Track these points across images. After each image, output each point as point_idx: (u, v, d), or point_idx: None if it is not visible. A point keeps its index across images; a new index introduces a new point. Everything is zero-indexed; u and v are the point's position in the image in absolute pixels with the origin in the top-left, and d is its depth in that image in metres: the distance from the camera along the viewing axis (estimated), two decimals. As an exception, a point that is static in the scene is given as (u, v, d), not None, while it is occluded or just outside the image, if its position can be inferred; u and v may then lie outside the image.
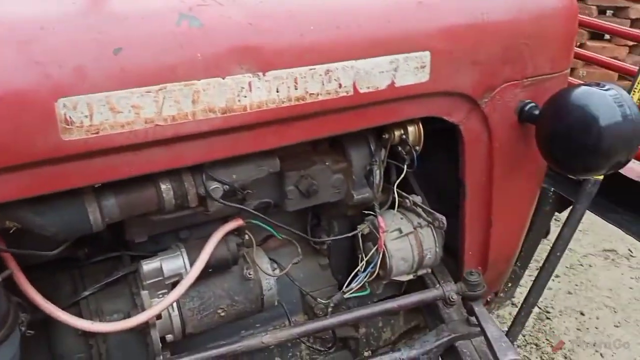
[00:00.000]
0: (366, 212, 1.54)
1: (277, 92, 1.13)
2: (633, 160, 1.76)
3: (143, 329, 1.29)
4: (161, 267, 1.29)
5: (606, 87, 1.31)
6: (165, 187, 1.20)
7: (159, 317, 1.29)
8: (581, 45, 5.29)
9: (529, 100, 1.46)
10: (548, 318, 3.16)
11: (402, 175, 1.51)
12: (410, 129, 1.43)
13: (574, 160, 1.35)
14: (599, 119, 1.26)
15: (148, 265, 1.29)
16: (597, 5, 5.45)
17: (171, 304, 1.29)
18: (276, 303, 1.48)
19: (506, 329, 2.03)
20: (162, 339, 1.32)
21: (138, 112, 1.01)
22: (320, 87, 1.17)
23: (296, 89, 1.14)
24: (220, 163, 1.22)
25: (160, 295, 1.31)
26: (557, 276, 3.44)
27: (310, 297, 1.58)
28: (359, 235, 1.54)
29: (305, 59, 1.14)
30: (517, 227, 1.74)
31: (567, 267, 3.56)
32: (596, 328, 3.10)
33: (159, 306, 1.25)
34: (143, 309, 1.25)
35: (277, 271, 1.47)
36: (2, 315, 1.07)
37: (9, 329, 1.08)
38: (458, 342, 1.49)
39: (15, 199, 1.01)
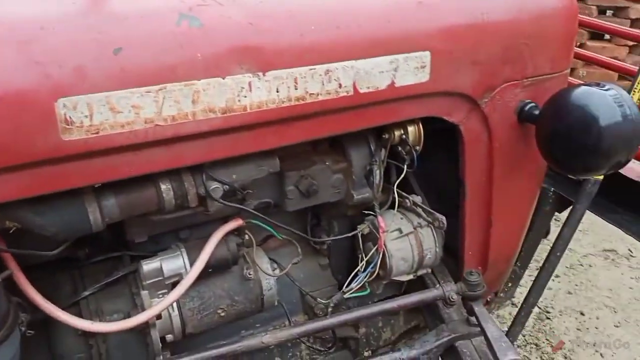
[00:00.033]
0: (366, 212, 1.54)
1: (277, 92, 1.13)
2: (633, 160, 1.76)
3: (143, 329, 1.29)
4: (161, 267, 1.29)
5: (606, 87, 1.31)
6: (165, 187, 1.20)
7: (159, 317, 1.29)
8: (581, 45, 5.29)
9: (529, 100, 1.46)
10: (548, 318, 3.16)
11: (402, 175, 1.51)
12: (410, 129, 1.43)
13: (574, 160, 1.35)
14: (599, 119, 1.26)
15: (148, 265, 1.29)
16: (597, 5, 5.45)
17: (171, 304, 1.29)
18: (276, 303, 1.48)
19: (506, 329, 2.03)
20: (162, 339, 1.32)
21: (138, 112, 1.01)
22: (320, 87, 1.17)
23: (296, 89, 1.14)
24: (220, 163, 1.22)
25: (160, 295, 1.31)
26: (557, 276, 3.44)
27: (310, 297, 1.58)
28: (359, 235, 1.54)
29: (306, 59, 1.14)
30: (517, 227, 1.74)
31: (567, 267, 3.56)
32: (596, 328, 3.10)
33: (159, 306, 1.25)
34: (143, 309, 1.26)
35: (277, 271, 1.47)
36: (2, 315, 1.07)
37: (9, 329, 1.08)
38: (458, 342, 1.49)
39: (15, 199, 1.01)
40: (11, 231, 1.08)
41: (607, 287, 3.43)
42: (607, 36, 5.46)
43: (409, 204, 1.56)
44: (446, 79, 1.32)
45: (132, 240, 1.36)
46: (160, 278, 1.30)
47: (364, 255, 1.54)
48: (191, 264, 1.29)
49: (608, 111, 1.27)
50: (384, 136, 1.47)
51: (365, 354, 1.75)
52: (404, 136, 1.44)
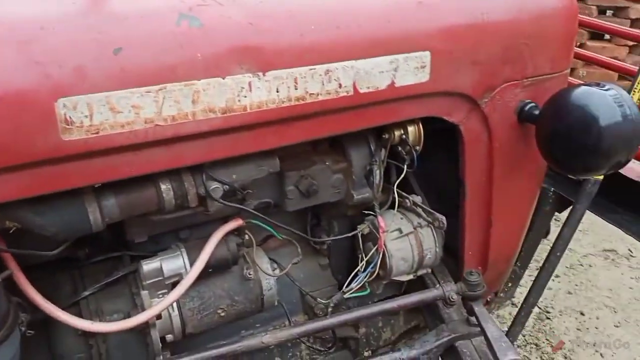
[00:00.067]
0: (366, 212, 1.54)
1: (277, 92, 1.13)
2: (633, 160, 1.76)
3: (143, 329, 1.29)
4: (161, 267, 1.29)
5: (606, 87, 1.31)
6: (165, 187, 1.20)
7: (159, 317, 1.29)
8: (581, 45, 5.29)
9: (529, 100, 1.46)
10: (548, 318, 3.16)
11: (402, 175, 1.51)
12: (410, 129, 1.43)
13: (574, 160, 1.35)
14: (599, 119, 1.26)
15: (148, 265, 1.29)
16: (597, 5, 5.45)
17: (171, 304, 1.29)
18: (276, 303, 1.48)
19: (506, 329, 2.03)
20: (162, 339, 1.32)
21: (138, 112, 1.01)
22: (320, 87, 1.17)
23: (296, 89, 1.14)
24: (220, 163, 1.22)
25: (160, 295, 1.31)
26: (557, 276, 3.44)
27: (310, 297, 1.58)
28: (359, 235, 1.54)
29: (305, 59, 1.14)
30: (517, 227, 1.74)
31: (567, 267, 3.56)
32: (596, 328, 3.10)
33: (159, 306, 1.25)
34: (143, 309, 1.26)
35: (277, 271, 1.47)
36: (2, 315, 1.07)
37: (9, 329, 1.08)
38: (458, 342, 1.49)
39: (15, 199, 1.01)
40: (11, 231, 1.08)
41: (607, 287, 3.43)
42: (607, 36, 5.46)
43: (409, 204, 1.56)
44: (446, 79, 1.32)
45: (132, 240, 1.36)
46: (160, 278, 1.30)
47: (364, 255, 1.54)
48: (191, 264, 1.29)
49: (608, 111, 1.27)
50: (384, 136, 1.47)
51: (366, 354, 1.75)
52: (404, 136, 1.44)
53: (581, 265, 3.62)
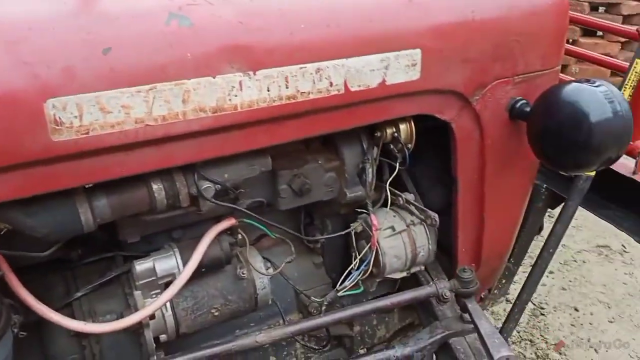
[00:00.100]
0: (359, 210, 1.54)
1: (268, 91, 1.13)
2: (624, 156, 1.77)
3: (136, 330, 1.29)
4: (154, 267, 1.29)
5: (597, 84, 1.31)
6: (156, 187, 1.19)
7: (152, 317, 1.29)
8: (574, 42, 5.31)
9: (520, 97, 1.46)
10: (542, 314, 3.18)
11: (395, 173, 1.51)
12: (402, 127, 1.43)
13: (564, 157, 1.35)
14: (589, 115, 1.27)
15: (141, 266, 1.29)
16: (590, 2, 5.47)
17: (164, 304, 1.29)
18: (270, 302, 1.48)
19: (500, 326, 2.04)
20: (156, 339, 1.32)
21: (128, 112, 1.01)
22: (311, 85, 1.17)
23: (287, 87, 1.14)
24: (212, 162, 1.22)
25: (154, 296, 1.31)
26: (551, 272, 3.46)
27: (304, 296, 1.58)
28: (352, 233, 1.54)
29: (296, 57, 1.14)
30: (510, 223, 1.75)
31: (561, 263, 3.58)
32: (590, 324, 3.11)
33: (152, 306, 1.25)
34: (136, 309, 1.25)
35: (271, 270, 1.47)
36: (-6, 317, 1.07)
37: (1, 330, 1.08)
38: (452, 339, 1.49)
39: (5, 200, 1.00)
40: (2, 232, 1.08)
41: (601, 282, 3.44)
42: (599, 32, 5.48)
43: (401, 202, 1.56)
44: (437, 77, 1.33)
45: (124, 241, 1.36)
46: (153, 278, 1.30)
47: (357, 254, 1.54)
48: (184, 264, 1.29)
49: (598, 107, 1.27)
50: (376, 134, 1.47)
51: (361, 351, 1.75)
52: (396, 134, 1.44)
53: (575, 261, 3.63)
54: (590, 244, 3.78)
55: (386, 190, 1.54)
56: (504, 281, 2.10)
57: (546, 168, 1.83)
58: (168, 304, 1.32)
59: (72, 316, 1.28)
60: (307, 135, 1.30)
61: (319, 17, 1.17)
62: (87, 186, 1.14)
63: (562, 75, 1.69)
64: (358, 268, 1.53)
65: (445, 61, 1.32)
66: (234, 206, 1.32)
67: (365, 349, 1.77)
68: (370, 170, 1.47)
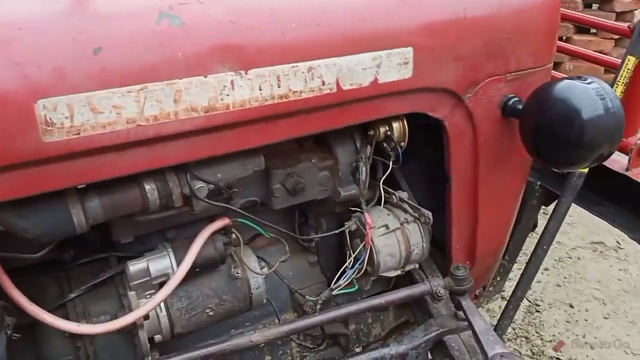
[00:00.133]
0: (353, 209, 1.55)
1: (260, 90, 1.13)
2: (617, 152, 1.78)
3: (131, 330, 1.28)
4: (148, 268, 1.29)
5: (588, 81, 1.31)
6: (149, 187, 1.19)
7: (146, 317, 1.29)
8: (567, 39, 5.33)
9: (512, 95, 1.46)
10: (538, 311, 3.19)
11: (388, 172, 1.51)
12: (395, 125, 1.43)
13: (557, 154, 1.35)
14: (581, 112, 1.27)
15: (135, 266, 1.29)
16: (583, -1, 5.49)
17: (159, 304, 1.28)
18: (265, 301, 1.48)
19: (495, 323, 2.05)
20: (151, 339, 1.32)
21: (119, 113, 1.01)
22: (303, 84, 1.17)
23: (279, 86, 1.14)
24: (205, 162, 1.22)
25: (148, 296, 1.31)
26: (546, 269, 3.47)
27: (299, 295, 1.58)
28: (347, 232, 1.54)
29: (288, 56, 1.14)
30: (504, 221, 1.75)
31: (555, 260, 3.59)
32: (585, 320, 3.12)
33: (146, 307, 1.25)
34: (130, 310, 1.25)
35: (265, 269, 1.47)
36: (-14, 319, 1.07)
37: (-6, 332, 1.07)
38: (446, 336, 1.49)
39: (-4, 201, 1.00)
40: (-6, 234, 1.07)
41: (596, 279, 3.46)
42: (593, 30, 5.50)
43: (395, 200, 1.56)
44: (429, 75, 1.33)
45: (118, 241, 1.35)
46: (147, 278, 1.29)
47: (351, 252, 1.54)
48: (178, 264, 1.29)
49: (590, 104, 1.28)
50: (369, 133, 1.47)
51: (356, 350, 1.75)
52: (389, 132, 1.44)
53: (570, 258, 3.65)
54: (584, 241, 3.80)
55: (380, 189, 1.54)
56: (498, 278, 2.10)
57: (539, 165, 1.84)
58: (162, 304, 1.32)
59: (66, 317, 1.27)
60: (300, 134, 1.30)
61: (310, 15, 1.17)
62: (79, 187, 1.14)
63: (554, 73, 1.69)
64: (352, 266, 1.54)
65: (437, 59, 1.32)
66: (227, 206, 1.32)
67: (360, 348, 1.77)
68: (363, 168, 1.47)
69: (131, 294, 1.28)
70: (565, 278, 3.47)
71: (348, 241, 1.56)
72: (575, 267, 3.57)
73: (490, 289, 2.10)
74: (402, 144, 1.45)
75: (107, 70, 0.98)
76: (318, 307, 1.55)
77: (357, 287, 1.60)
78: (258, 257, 1.47)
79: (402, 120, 1.43)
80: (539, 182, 1.98)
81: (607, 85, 1.33)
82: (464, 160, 1.51)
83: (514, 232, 1.90)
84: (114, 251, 1.42)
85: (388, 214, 1.55)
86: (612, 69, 2.33)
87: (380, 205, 1.56)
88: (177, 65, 1.04)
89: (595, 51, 3.43)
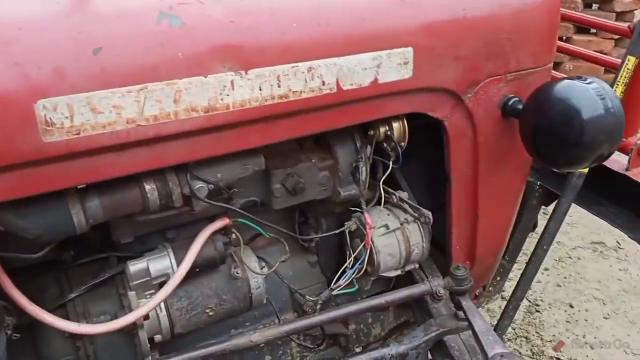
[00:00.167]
0: (353, 209, 1.55)
1: (260, 90, 1.13)
2: (617, 152, 1.78)
3: (131, 330, 1.28)
4: (148, 268, 1.29)
5: (588, 81, 1.31)
6: (149, 187, 1.19)
7: (146, 317, 1.29)
8: (568, 39, 5.33)
9: (512, 95, 1.46)
10: (538, 311, 3.19)
11: (388, 172, 1.51)
12: (395, 125, 1.43)
13: (557, 154, 1.35)
14: (581, 112, 1.27)
15: (135, 266, 1.29)
16: (583, -1, 5.49)
17: (159, 304, 1.28)
18: (265, 301, 1.48)
19: (495, 323, 2.05)
20: (151, 339, 1.32)
21: (119, 113, 1.01)
22: (303, 84, 1.17)
23: (279, 86, 1.14)
24: (205, 162, 1.22)
25: (148, 296, 1.31)
26: (546, 269, 3.47)
27: (299, 295, 1.58)
28: (347, 232, 1.54)
29: (288, 56, 1.14)
30: (504, 221, 1.75)
31: (555, 260, 3.59)
32: (585, 320, 3.12)
33: (146, 307, 1.24)
34: (130, 310, 1.25)
35: (265, 269, 1.47)
36: (-14, 319, 1.07)
37: (-6, 332, 1.07)
38: (446, 336, 1.49)
39: (-3, 201, 1.00)
40: (-6, 234, 1.08)
41: (596, 279, 3.46)
42: (593, 29, 5.50)
43: (395, 200, 1.56)
44: (429, 75, 1.33)
45: (118, 241, 1.36)
46: (147, 278, 1.29)
47: (351, 252, 1.54)
48: (178, 264, 1.29)
49: (590, 104, 1.28)
50: (369, 133, 1.47)
51: (357, 350, 1.75)
52: (389, 132, 1.44)
53: (570, 257, 3.65)
54: (585, 241, 3.80)
55: (380, 189, 1.54)
56: (498, 278, 2.10)
57: (540, 165, 1.84)
58: (162, 304, 1.32)
59: (66, 317, 1.27)
60: (300, 134, 1.30)
61: (310, 15, 1.17)
62: (79, 187, 1.14)
63: (554, 73, 1.70)
64: (352, 266, 1.53)
65: (437, 59, 1.32)
66: (227, 206, 1.32)
67: (360, 348, 1.77)
68: (363, 168, 1.47)
69: (131, 294, 1.28)
70: (565, 278, 3.47)
71: (348, 241, 1.56)
72: (575, 267, 3.57)
73: (490, 289, 2.10)
74: (402, 144, 1.45)
75: (107, 70, 0.98)
76: (318, 307, 1.55)
77: (357, 287, 1.60)
78: (258, 257, 1.47)
79: (402, 120, 1.43)
80: (539, 182, 1.98)
81: (607, 85, 1.34)
82: (464, 160, 1.51)
83: (514, 232, 1.90)
84: (114, 251, 1.42)
85: (388, 214, 1.55)
86: (612, 69, 2.33)
87: (380, 205, 1.56)
88: (177, 65, 1.04)
89: (595, 51, 3.43)
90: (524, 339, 2.98)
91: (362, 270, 1.53)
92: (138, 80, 1.01)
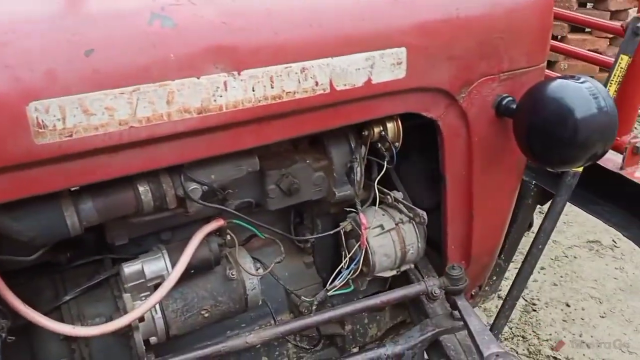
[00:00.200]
0: (348, 209, 1.55)
1: (253, 91, 1.12)
2: (612, 151, 1.78)
3: (126, 332, 1.28)
4: (143, 270, 1.29)
5: (581, 80, 1.32)
6: (143, 189, 1.19)
7: (141, 319, 1.29)
8: (562, 38, 5.35)
9: (506, 95, 1.47)
10: (534, 310, 3.19)
11: (383, 172, 1.51)
12: (389, 125, 1.43)
13: (550, 153, 1.36)
14: (574, 112, 1.27)
15: (129, 268, 1.29)
16: (577, -2, 5.50)
17: (154, 306, 1.28)
18: (260, 302, 1.48)
19: (491, 322, 2.05)
20: (146, 341, 1.31)
21: (112, 114, 1.00)
22: (297, 85, 1.17)
23: (272, 87, 1.14)
24: (198, 163, 1.22)
25: (143, 298, 1.30)
26: (542, 268, 3.47)
27: (294, 296, 1.58)
28: (342, 232, 1.54)
29: (281, 57, 1.14)
30: (499, 220, 1.75)
31: (552, 259, 3.59)
32: (582, 319, 3.13)
33: (141, 308, 1.24)
34: (125, 312, 1.25)
35: (261, 270, 1.46)
36: (-20, 322, 1.06)
37: (-12, 335, 1.07)
38: (442, 336, 1.49)
39: (-10, 204, 1.00)
40: (-13, 237, 1.07)
41: (592, 278, 3.46)
42: (588, 28, 5.51)
43: (390, 200, 1.56)
44: (423, 75, 1.33)
45: (113, 243, 1.35)
46: (142, 280, 1.29)
47: (347, 253, 1.54)
48: (173, 266, 1.29)
49: (583, 104, 1.28)
50: (363, 133, 1.47)
51: (353, 350, 1.75)
52: (383, 133, 1.44)
53: (566, 256, 3.65)
54: (581, 240, 3.80)
55: (375, 189, 1.54)
56: (494, 278, 2.10)
57: (534, 164, 1.84)
58: (157, 306, 1.32)
59: (61, 320, 1.27)
60: (294, 135, 1.29)
61: (303, 16, 1.17)
62: (72, 189, 1.14)
63: (548, 72, 1.70)
64: (348, 267, 1.53)
65: (430, 59, 1.33)
66: (221, 207, 1.32)
67: (357, 348, 1.77)
68: (358, 169, 1.47)
69: (126, 296, 1.28)
70: (561, 277, 3.47)
71: (343, 242, 1.56)
72: (572, 266, 3.57)
73: (486, 288, 2.10)
74: (397, 144, 1.45)
75: (99, 71, 0.98)
76: (314, 307, 1.55)
77: (352, 287, 1.60)
78: (253, 258, 1.47)
79: (396, 120, 1.43)
80: (534, 182, 1.98)
81: (600, 84, 1.34)
82: (458, 160, 1.51)
83: (510, 231, 1.90)
84: (109, 253, 1.42)
85: (383, 215, 1.55)
86: (606, 67, 2.34)
87: (375, 205, 1.56)
88: (170, 67, 1.04)
89: (590, 50, 3.45)
90: (521, 338, 2.99)
91: (358, 271, 1.53)
92: (130, 82, 1.01)
